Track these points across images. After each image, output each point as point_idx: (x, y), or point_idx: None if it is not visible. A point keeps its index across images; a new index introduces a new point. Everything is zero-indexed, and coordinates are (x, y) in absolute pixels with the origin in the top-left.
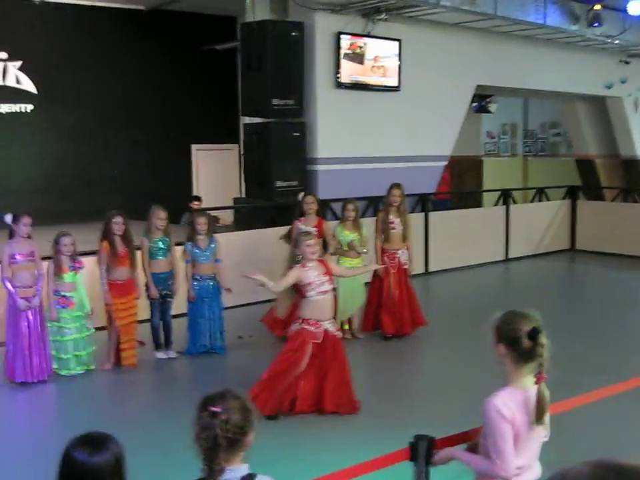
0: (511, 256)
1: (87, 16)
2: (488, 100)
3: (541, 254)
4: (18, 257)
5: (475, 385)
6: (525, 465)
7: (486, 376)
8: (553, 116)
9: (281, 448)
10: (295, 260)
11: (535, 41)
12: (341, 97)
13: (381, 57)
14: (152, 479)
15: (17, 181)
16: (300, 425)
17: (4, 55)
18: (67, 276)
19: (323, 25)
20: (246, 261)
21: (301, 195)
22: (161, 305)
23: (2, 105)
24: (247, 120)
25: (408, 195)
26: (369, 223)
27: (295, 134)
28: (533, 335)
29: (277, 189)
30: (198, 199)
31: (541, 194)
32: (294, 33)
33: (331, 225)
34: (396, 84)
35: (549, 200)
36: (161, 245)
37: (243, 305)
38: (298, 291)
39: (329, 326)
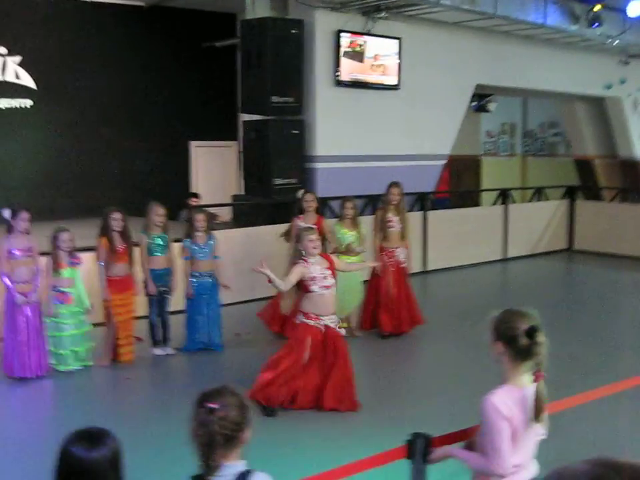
0: (509, 255)
1: (86, 12)
2: (487, 99)
3: (539, 254)
4: (16, 252)
5: (473, 383)
6: (522, 463)
7: (483, 374)
8: (552, 116)
9: (278, 445)
10: (298, 256)
11: (534, 40)
12: (340, 95)
13: (380, 55)
14: (149, 474)
15: (15, 176)
16: (297, 422)
17: (3, 50)
18: (65, 271)
19: (323, 23)
20: (244, 258)
21: (301, 192)
22: (158, 301)
23: (1, 100)
24: (246, 117)
25: (407, 194)
26: (367, 221)
27: (294, 131)
28: (531, 333)
29: (276, 187)
30: (196, 195)
31: (539, 194)
32: (294, 31)
33: (329, 222)
34: (395, 82)
35: (547, 200)
36: (159, 241)
37: (240, 302)
38: (300, 286)
39: (330, 322)
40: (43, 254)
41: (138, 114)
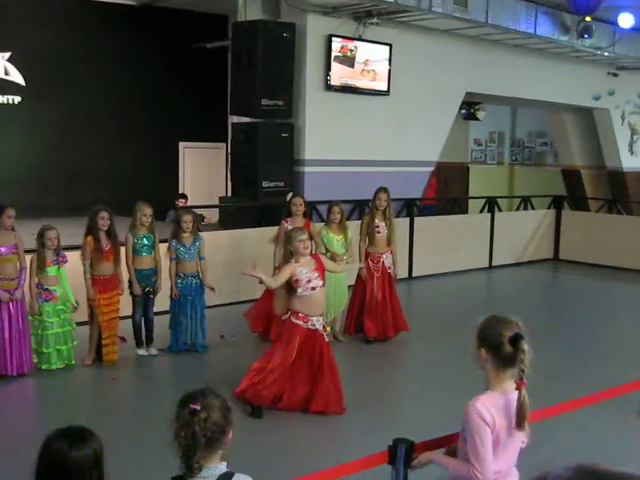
0: (494, 263)
1: (77, 9)
2: (476, 107)
3: (524, 262)
4: (1, 249)
5: (456, 389)
6: (503, 470)
7: (467, 380)
8: (540, 125)
9: (260, 447)
10: (289, 256)
11: (525, 50)
12: (330, 100)
13: (371, 60)
14: (131, 474)
15: (2, 173)
16: (280, 425)
17: None
18: (51, 269)
19: (314, 27)
20: (230, 260)
21: (289, 195)
22: (143, 301)
23: None
24: (235, 119)
25: (394, 200)
26: (354, 226)
27: (283, 135)
28: (515, 340)
29: (263, 189)
30: (184, 196)
31: (526, 203)
32: (285, 34)
33: (316, 227)
34: (385, 88)
35: (534, 209)
36: (145, 241)
37: (225, 304)
38: (290, 286)
39: (317, 323)
40: (28, 251)
41: (127, 113)
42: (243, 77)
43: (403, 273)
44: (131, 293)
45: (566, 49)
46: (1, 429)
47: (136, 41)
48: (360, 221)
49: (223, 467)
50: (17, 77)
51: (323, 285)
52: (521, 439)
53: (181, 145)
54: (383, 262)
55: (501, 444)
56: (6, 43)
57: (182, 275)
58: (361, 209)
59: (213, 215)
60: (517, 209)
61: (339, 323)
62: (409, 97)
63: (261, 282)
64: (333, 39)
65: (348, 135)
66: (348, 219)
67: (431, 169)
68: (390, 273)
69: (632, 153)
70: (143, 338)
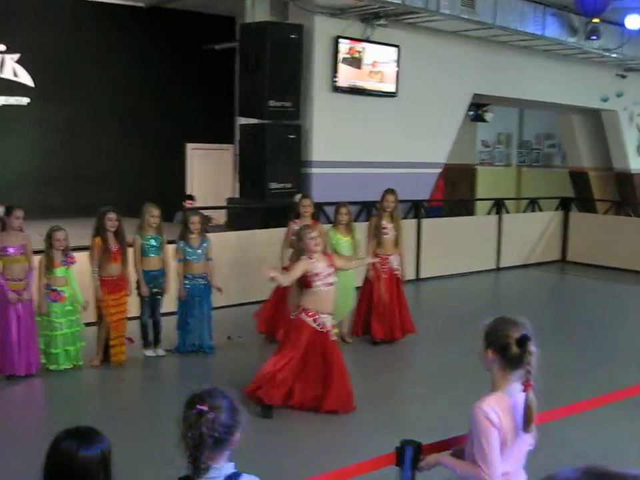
0: (502, 265)
1: (86, 11)
2: (484, 109)
3: (532, 264)
4: (9, 249)
5: (463, 390)
6: (511, 472)
7: (474, 382)
8: (548, 127)
9: (267, 448)
10: (300, 254)
11: (532, 51)
12: (337, 101)
13: (379, 62)
14: (138, 474)
15: (10, 173)
16: (288, 426)
17: (2, 47)
18: (59, 270)
19: (322, 29)
20: (238, 261)
21: (298, 196)
22: (151, 302)
23: None
24: (242, 120)
25: (401, 201)
26: (361, 228)
27: (291, 136)
28: (522, 342)
29: (271, 191)
30: (191, 198)
31: (533, 204)
32: (293, 36)
33: (324, 228)
34: (393, 90)
35: (541, 210)
36: (153, 242)
37: (233, 305)
38: (302, 282)
39: (327, 321)
40: (36, 252)
41: (135, 114)
42: (251, 78)
43: (410, 274)
44: (139, 294)
45: (574, 51)
46: (9, 428)
47: (144, 42)
48: (367, 222)
49: (230, 468)
50: (25, 78)
51: (335, 282)
52: (528, 440)
53: (189, 146)
54: (390, 263)
55: (508, 445)
56: (15, 45)
57: (189, 276)
58: (368, 210)
59: (220, 216)
60: (525, 211)
61: (346, 324)
62: (416, 99)
63: (274, 279)
64: (341, 40)
65: (355, 137)
66: (355, 221)
67: (439, 170)
68: (397, 275)
69: None
70: (151, 339)
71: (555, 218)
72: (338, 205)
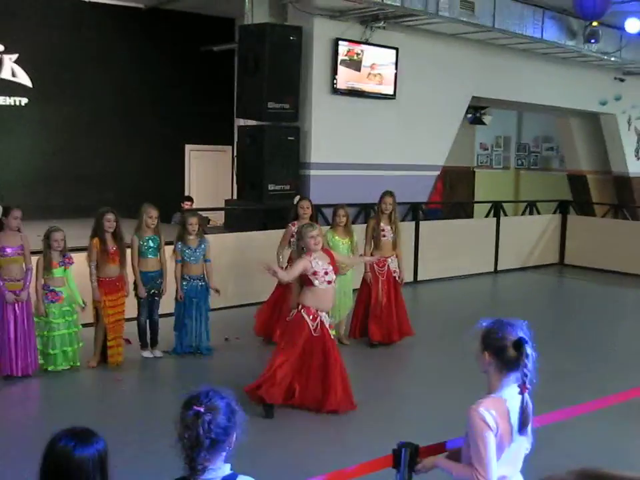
0: (499, 268)
1: (85, 11)
2: (482, 112)
3: (529, 267)
4: (7, 250)
5: (460, 393)
6: (508, 475)
7: (471, 384)
8: (546, 130)
9: (264, 450)
10: (300, 253)
11: (531, 54)
12: (336, 103)
13: (377, 64)
14: (134, 476)
15: (9, 174)
16: (285, 427)
17: (1, 48)
18: (57, 271)
19: (321, 31)
20: (236, 263)
21: (297, 198)
22: (149, 303)
23: None
24: (241, 122)
25: (399, 204)
26: (359, 230)
27: (290, 138)
28: (519, 344)
29: (269, 192)
30: (190, 199)
31: (531, 207)
32: (292, 37)
33: (322, 230)
34: (392, 92)
35: (539, 214)
36: (151, 243)
37: (230, 307)
38: (302, 280)
39: (325, 320)
40: (34, 253)
41: (134, 115)
42: (250, 80)
43: (408, 276)
44: (137, 295)
45: (572, 54)
46: (6, 429)
47: (143, 43)
48: (365, 224)
49: (226, 469)
50: (24, 78)
51: (335, 280)
52: (525, 444)
53: (187, 147)
54: (388, 266)
55: (504, 448)
56: (13, 45)
57: (187, 278)
58: (366, 212)
59: (218, 218)
60: (523, 214)
61: (343, 326)
62: (415, 101)
63: (274, 274)
64: (340, 42)
65: (354, 139)
66: (353, 223)
67: (437, 173)
68: (395, 277)
69: (638, 158)
70: (148, 340)
71: (553, 221)
72: (336, 207)
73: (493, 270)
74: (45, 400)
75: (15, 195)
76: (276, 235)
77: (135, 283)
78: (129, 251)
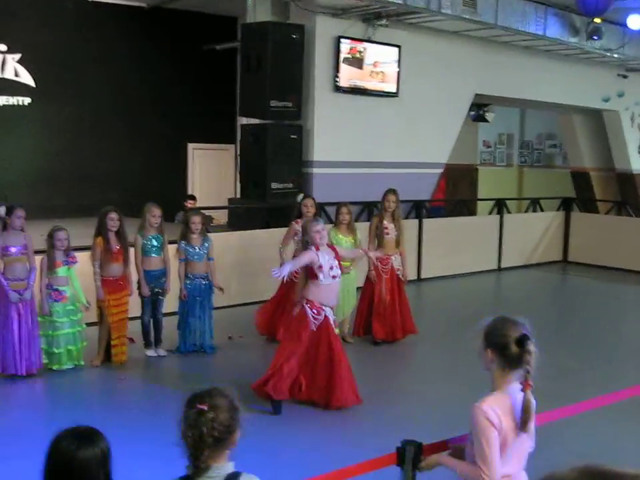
0: (503, 265)
1: (87, 11)
2: (485, 109)
3: (533, 264)
4: (11, 249)
5: (464, 391)
6: (513, 473)
7: (475, 382)
8: (549, 127)
9: (267, 448)
10: (305, 247)
11: (534, 51)
12: (339, 101)
13: (380, 62)
14: (137, 474)
15: (12, 173)
16: (288, 425)
17: (3, 47)
18: (61, 270)
19: (323, 29)
20: (239, 261)
21: (300, 196)
22: (152, 302)
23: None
24: (244, 121)
25: (403, 201)
26: (363, 228)
27: (292, 136)
28: (522, 341)
29: (272, 191)
30: (193, 198)
31: (535, 204)
32: (294, 36)
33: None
34: (394, 90)
35: (542, 211)
36: (154, 242)
37: (234, 306)
38: (307, 274)
39: (330, 314)
40: (38, 252)
41: (136, 114)
42: (252, 78)
43: (411, 274)
44: (140, 293)
45: (575, 51)
46: (10, 428)
47: (145, 42)
48: (369, 222)
49: (230, 467)
50: (26, 78)
51: (340, 275)
52: (529, 442)
53: (190, 146)
54: (391, 264)
55: (508, 446)
56: (16, 45)
57: (191, 276)
58: (369, 210)
59: (221, 216)
60: (526, 211)
61: (347, 324)
62: (417, 99)
63: (282, 264)
64: (342, 40)
65: (357, 137)
66: (357, 221)
67: (440, 170)
68: (399, 275)
69: None
70: (152, 339)
71: (556, 218)
72: (339, 205)
73: (496, 267)
74: (49, 399)
75: (18, 195)
76: (279, 233)
77: (138, 282)
78: (132, 250)
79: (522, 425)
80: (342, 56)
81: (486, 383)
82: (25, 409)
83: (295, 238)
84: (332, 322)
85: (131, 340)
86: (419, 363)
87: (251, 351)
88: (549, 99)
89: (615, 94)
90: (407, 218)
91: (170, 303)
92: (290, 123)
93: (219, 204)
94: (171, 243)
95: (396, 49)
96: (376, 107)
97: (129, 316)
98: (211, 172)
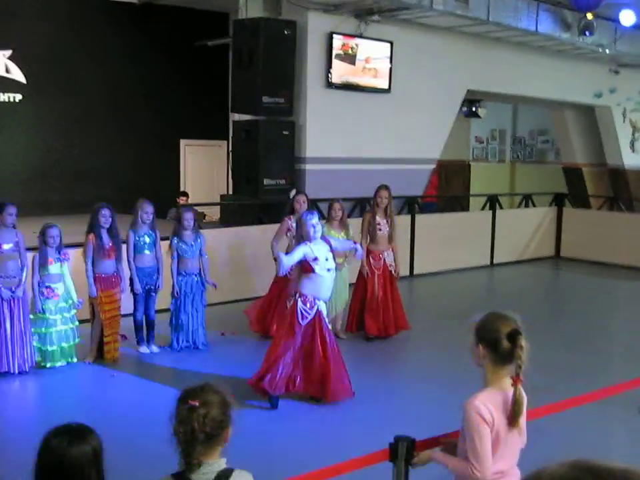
0: (495, 261)
1: (79, 7)
2: (478, 105)
3: (525, 260)
4: (2, 246)
5: (458, 386)
6: (505, 469)
7: (467, 378)
8: (541, 123)
9: (260, 444)
10: (299, 241)
11: (526, 47)
12: (331, 97)
13: (372, 58)
14: (130, 471)
15: (3, 170)
16: (280, 421)
17: None
18: (53, 267)
19: (315, 25)
20: (231, 257)
21: (293, 192)
22: (145, 299)
23: None
24: (236, 117)
25: (395, 197)
26: (355, 224)
27: (285, 132)
28: (513, 336)
29: (264, 187)
30: (185, 194)
31: (527, 200)
32: (286, 32)
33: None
34: (386, 86)
35: (535, 206)
36: (146, 239)
37: (226, 302)
38: (302, 268)
39: (323, 308)
40: (30, 249)
41: (128, 111)
42: (244, 74)
43: (404, 270)
44: (132, 290)
45: (567, 47)
46: (2, 426)
47: (137, 38)
48: (361, 218)
49: (222, 463)
50: (18, 74)
51: (334, 268)
52: (521, 438)
53: (182, 142)
54: (384, 259)
55: (501, 442)
56: (7, 41)
57: (183, 273)
58: (362, 206)
59: (214, 213)
60: (519, 207)
61: (340, 320)
62: (410, 95)
63: (275, 260)
64: (334, 36)
65: (349, 133)
66: (349, 217)
67: (432, 166)
68: (391, 271)
69: (633, 151)
70: (144, 336)
71: (548, 214)
72: (331, 201)
73: (488, 263)
74: (41, 396)
75: (9, 192)
76: (272, 229)
77: (130, 279)
78: (124, 246)
79: (512, 419)
80: (334, 52)
81: (479, 378)
82: (17, 406)
83: (288, 234)
84: (325, 316)
85: (124, 337)
86: (411, 359)
87: (244, 347)
88: (541, 94)
89: (607, 90)
90: (399, 214)
91: (162, 300)
92: (282, 119)
93: (212, 200)
94: (163, 239)
95: (388, 45)
96: (368, 103)
97: (122, 313)
98: (203, 168)
